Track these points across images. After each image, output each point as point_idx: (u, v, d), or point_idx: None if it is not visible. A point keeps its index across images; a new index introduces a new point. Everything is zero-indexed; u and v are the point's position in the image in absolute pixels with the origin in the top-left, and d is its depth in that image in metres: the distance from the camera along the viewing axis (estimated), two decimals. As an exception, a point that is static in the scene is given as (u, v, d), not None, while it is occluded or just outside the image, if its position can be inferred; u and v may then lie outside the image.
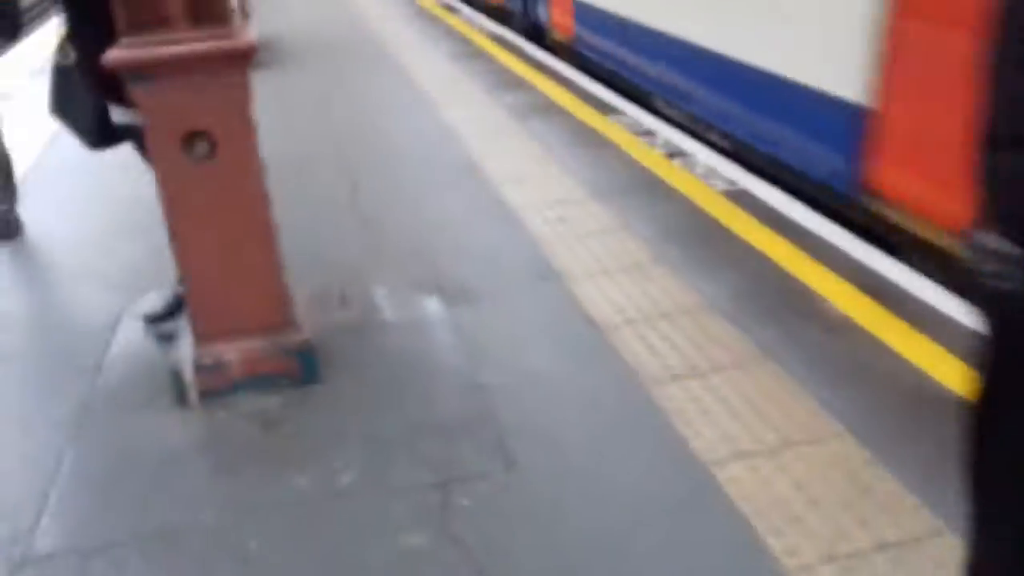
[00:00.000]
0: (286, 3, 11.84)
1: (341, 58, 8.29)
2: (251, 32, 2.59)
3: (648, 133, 5.46)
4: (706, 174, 4.69)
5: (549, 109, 6.03)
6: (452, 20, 9.84)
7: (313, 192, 4.69)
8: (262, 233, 2.62)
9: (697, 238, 3.86)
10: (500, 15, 9.68)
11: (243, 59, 2.51)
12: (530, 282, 3.49)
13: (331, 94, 6.90)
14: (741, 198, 4.29)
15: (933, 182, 3.37)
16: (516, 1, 8.81)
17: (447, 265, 3.68)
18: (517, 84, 6.77)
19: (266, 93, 7.08)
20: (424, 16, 10.32)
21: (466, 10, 10.79)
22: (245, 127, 2.54)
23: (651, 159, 4.96)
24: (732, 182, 4.56)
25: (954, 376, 2.64)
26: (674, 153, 5.06)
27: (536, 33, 8.27)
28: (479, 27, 9.29)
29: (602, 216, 4.15)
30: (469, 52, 8.02)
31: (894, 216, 3.74)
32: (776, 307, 3.18)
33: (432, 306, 3.34)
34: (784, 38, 4.40)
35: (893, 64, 3.52)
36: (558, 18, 7.53)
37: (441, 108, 6.18)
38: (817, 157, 4.24)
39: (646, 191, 4.48)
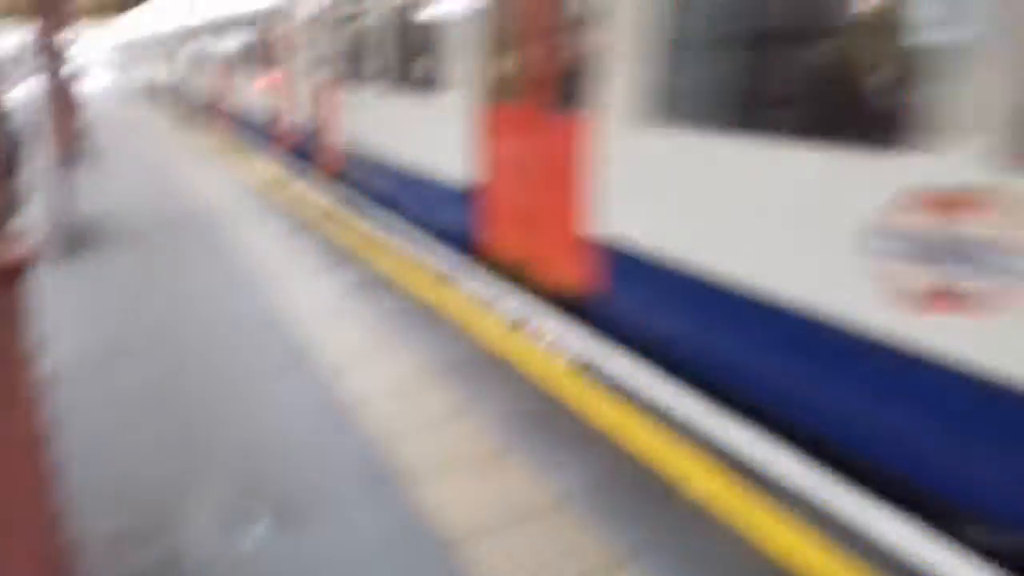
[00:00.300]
0: (116, 175, 11.36)
1: (168, 235, 7.87)
2: (23, 240, 2.23)
3: (488, 303, 5.35)
4: (552, 345, 4.58)
5: (383, 284, 5.84)
6: (285, 193, 9.68)
7: (122, 395, 4.19)
8: (34, 482, 2.18)
9: (547, 422, 3.65)
10: (292, 156, 12.45)
11: (11, 275, 2.14)
12: (368, 489, 3.15)
13: (155, 277, 6.45)
14: (588, 370, 4.17)
15: (508, 236, 6.04)
16: (302, 150, 11.50)
17: (274, 476, 3.28)
18: (350, 258, 6.58)
19: (82, 283, 6.65)
20: (255, 189, 10.11)
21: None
22: (12, 356, 2.14)
23: (492, 332, 4.82)
24: (578, 353, 4.46)
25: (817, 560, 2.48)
26: (517, 323, 4.94)
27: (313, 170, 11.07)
28: (312, 200, 9.15)
29: (443, 402, 3.90)
30: (302, 225, 7.82)
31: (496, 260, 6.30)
32: (635, 498, 2.98)
33: (257, 532, 2.91)
34: (431, 154, 7.26)
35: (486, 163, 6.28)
36: (331, 161, 10.46)
37: (270, 288, 5.87)
38: (456, 225, 6.88)
39: (489, 370, 4.29)
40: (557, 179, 5.36)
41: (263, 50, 13.35)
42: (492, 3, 6.01)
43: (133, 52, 35.32)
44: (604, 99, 4.73)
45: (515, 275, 6.07)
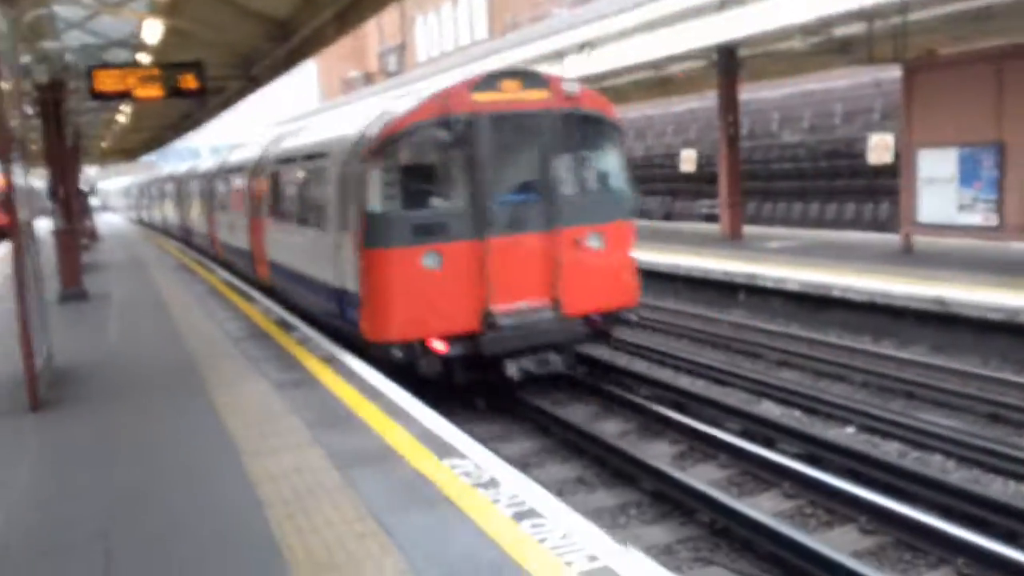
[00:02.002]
0: (98, 324, 10.98)
1: (137, 394, 7.35)
2: None
3: (491, 484, 4.71)
4: (561, 544, 3.92)
5: (380, 457, 5.21)
6: (284, 339, 9.21)
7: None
8: None
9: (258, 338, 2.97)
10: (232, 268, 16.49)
11: None
12: None
13: (114, 449, 5.88)
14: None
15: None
16: (245, 262, 14.66)
17: None
18: (346, 421, 5.98)
19: (30, 455, 6.10)
20: (250, 333, 9.65)
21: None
22: None
23: (496, 525, 4.16)
24: (592, 556, 3.80)
25: None
26: (522, 514, 4.29)
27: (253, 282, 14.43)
28: (311, 345, 8.65)
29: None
30: (297, 380, 7.26)
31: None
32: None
33: None
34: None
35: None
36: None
37: (251, 458, 5.27)
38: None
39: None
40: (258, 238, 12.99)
41: (221, 194, 17.20)
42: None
43: (138, 193, 44.60)
44: (262, 211, 12.59)
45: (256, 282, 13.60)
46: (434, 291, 7.51)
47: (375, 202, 7.60)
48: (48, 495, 5.05)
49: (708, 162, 22.79)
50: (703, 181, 23.20)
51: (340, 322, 8.68)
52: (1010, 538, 4.93)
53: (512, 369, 7.69)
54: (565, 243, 7.88)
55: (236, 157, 16.10)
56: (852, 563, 4.56)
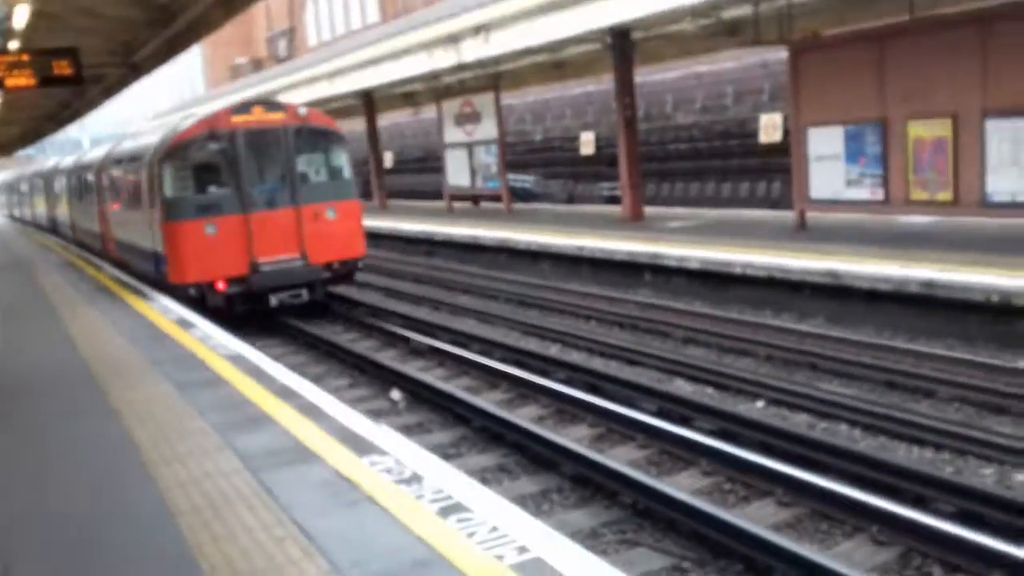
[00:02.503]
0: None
1: (30, 403, 6.88)
2: None
3: (414, 479, 4.59)
4: (490, 538, 3.84)
5: (296, 458, 5.00)
6: (185, 338, 8.79)
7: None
8: None
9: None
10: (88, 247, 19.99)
11: None
12: None
13: (7, 464, 5.47)
14: (531, 571, 3.44)
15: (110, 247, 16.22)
16: (98, 242, 18.24)
17: None
18: (258, 422, 5.73)
19: None
20: (149, 333, 9.17)
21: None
22: None
23: (418, 518, 4.05)
24: (523, 547, 3.74)
25: None
26: (448, 508, 4.19)
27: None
28: (214, 343, 8.28)
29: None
30: (203, 380, 6.93)
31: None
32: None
33: None
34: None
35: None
36: (110, 247, 16.84)
37: (158, 465, 4.98)
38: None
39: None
40: (105, 221, 16.78)
41: (76, 188, 20.76)
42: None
43: (8, 189, 46.06)
44: (106, 200, 16.52)
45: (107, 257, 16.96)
46: (215, 249, 11.25)
47: (168, 191, 11.50)
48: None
49: (607, 144, 23.07)
50: (603, 163, 23.48)
51: (156, 275, 12.49)
52: (919, 503, 5.13)
53: (274, 300, 11.56)
54: (307, 215, 11.80)
55: (88, 157, 20.02)
56: (772, 536, 4.66)
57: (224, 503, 4.41)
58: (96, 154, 18.45)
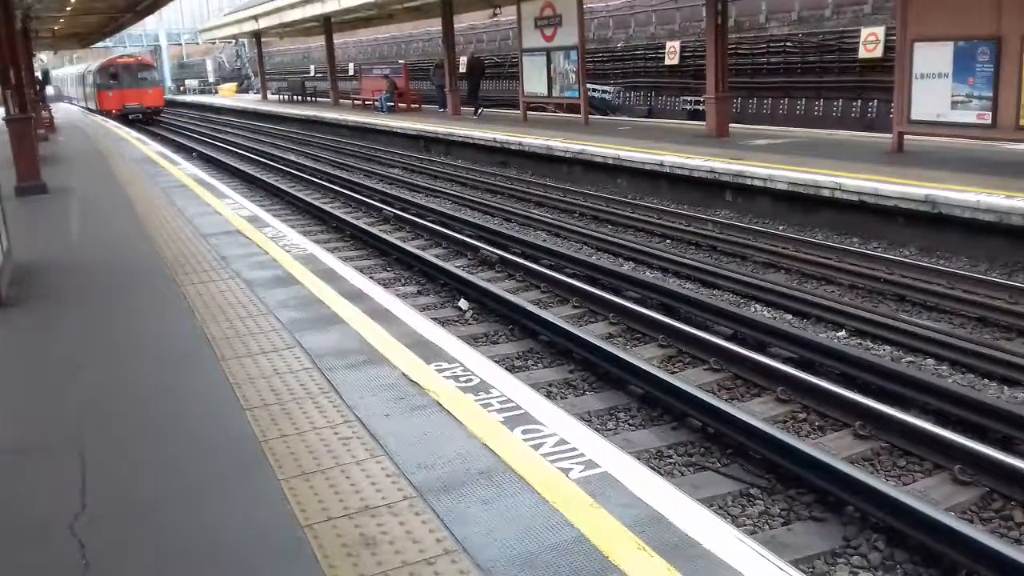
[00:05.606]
0: (60, 219, 10.51)
1: (106, 293, 7.03)
2: None
3: (481, 387, 4.52)
4: (556, 451, 3.75)
5: (364, 360, 4.98)
6: (257, 236, 8.85)
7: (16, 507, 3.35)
8: None
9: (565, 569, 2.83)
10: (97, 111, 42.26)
11: None
12: None
13: (84, 350, 5.60)
14: (603, 491, 3.35)
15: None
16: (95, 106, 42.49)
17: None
18: (327, 322, 5.73)
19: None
20: (222, 229, 9.26)
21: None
22: None
23: (484, 426, 3.99)
24: (590, 462, 3.64)
25: None
26: (514, 419, 4.11)
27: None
28: (285, 243, 8.32)
29: (425, 536, 3.06)
30: (273, 279, 6.97)
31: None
32: None
33: None
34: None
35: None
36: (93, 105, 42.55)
37: (224, 357, 5.03)
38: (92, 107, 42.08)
39: (483, 484, 3.46)
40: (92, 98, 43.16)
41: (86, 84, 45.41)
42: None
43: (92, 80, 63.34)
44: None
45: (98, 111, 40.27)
46: (111, 100, 38.39)
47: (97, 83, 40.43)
48: (16, 397, 4.81)
49: (693, 55, 22.15)
50: (688, 75, 22.61)
51: (94, 109, 40.41)
52: (1006, 444, 4.87)
53: (131, 116, 37.59)
54: (144, 93, 38.95)
55: (90, 69, 43.55)
56: (847, 468, 4.48)
57: (292, 400, 4.42)
58: (91, 68, 42.93)
